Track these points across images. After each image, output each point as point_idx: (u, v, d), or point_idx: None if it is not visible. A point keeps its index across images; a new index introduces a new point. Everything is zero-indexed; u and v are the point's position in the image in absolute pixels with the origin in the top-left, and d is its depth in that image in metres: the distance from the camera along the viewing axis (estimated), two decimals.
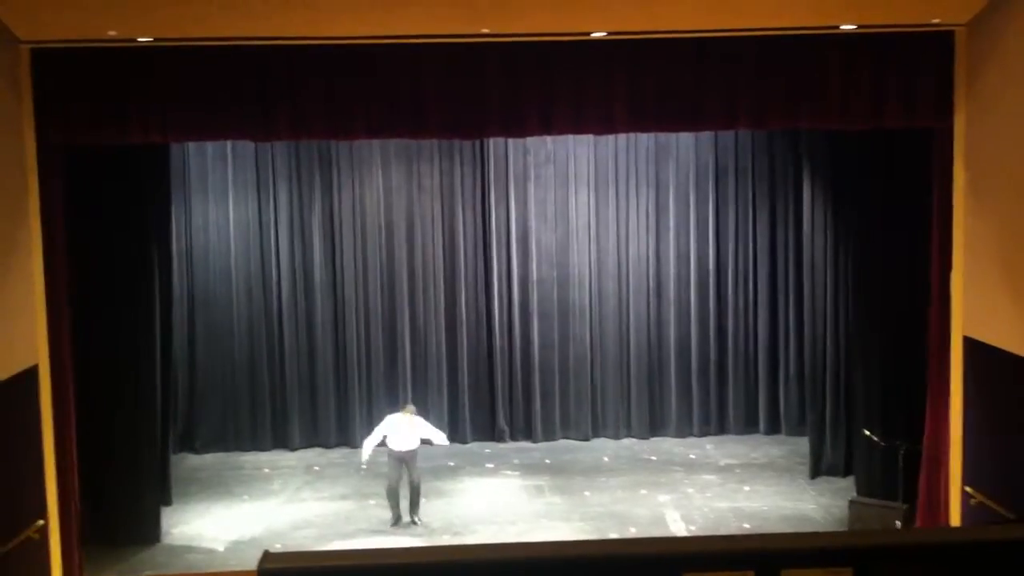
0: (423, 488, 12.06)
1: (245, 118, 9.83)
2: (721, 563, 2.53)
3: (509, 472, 13.59)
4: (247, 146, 14.06)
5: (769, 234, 14.61)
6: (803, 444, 13.59)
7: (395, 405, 14.40)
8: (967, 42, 9.54)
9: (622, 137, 14.21)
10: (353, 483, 13.06)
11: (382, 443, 11.99)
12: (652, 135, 14.15)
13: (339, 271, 14.50)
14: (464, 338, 14.67)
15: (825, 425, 12.96)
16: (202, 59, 9.56)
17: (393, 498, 11.85)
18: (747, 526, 11.63)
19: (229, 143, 13.97)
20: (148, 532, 11.40)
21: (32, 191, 9.53)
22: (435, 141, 14.01)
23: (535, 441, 14.69)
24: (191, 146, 13.90)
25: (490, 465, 13.85)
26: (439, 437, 12.24)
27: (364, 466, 12.18)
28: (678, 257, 14.72)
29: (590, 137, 13.98)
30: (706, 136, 14.28)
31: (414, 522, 11.83)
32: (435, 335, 14.66)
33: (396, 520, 11.85)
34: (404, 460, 11.85)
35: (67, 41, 9.34)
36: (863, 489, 11.87)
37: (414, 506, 11.89)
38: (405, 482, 11.86)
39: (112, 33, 9.10)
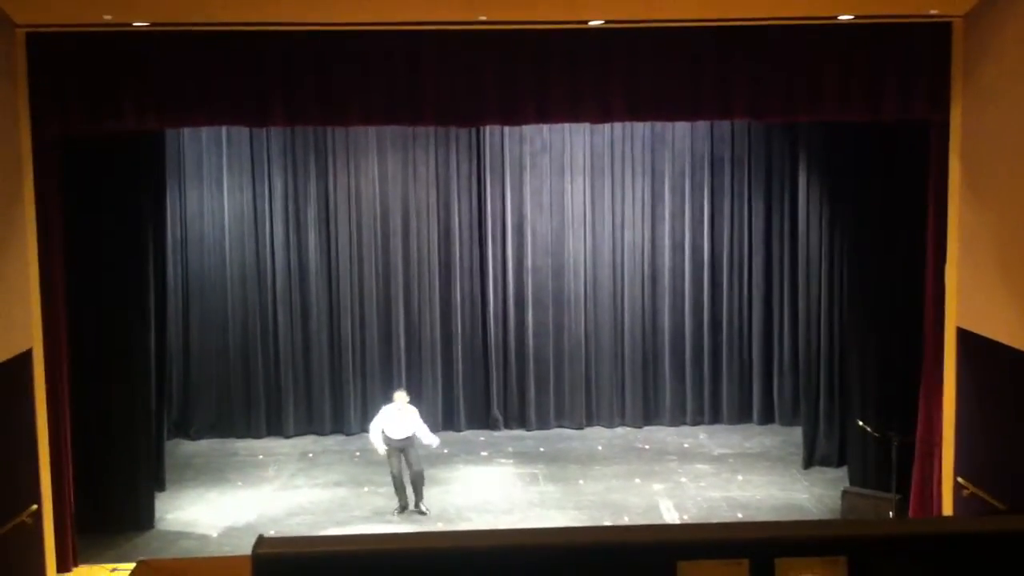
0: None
1: (240, 104, 9.82)
2: (716, 551, 2.54)
3: (503, 460, 13.61)
4: (242, 133, 14.03)
5: (764, 224, 14.61)
6: (797, 434, 13.62)
7: (390, 392, 14.45)
8: (964, 34, 9.54)
9: (618, 126, 14.20)
10: (347, 470, 13.08)
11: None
12: (648, 124, 14.15)
13: (334, 259, 14.48)
14: (459, 326, 14.67)
15: (819, 415, 12.99)
16: (198, 45, 9.54)
17: (397, 486, 11.84)
18: (740, 515, 11.66)
19: (224, 130, 13.93)
20: (142, 518, 11.40)
21: (27, 176, 9.51)
22: (431, 129, 14.00)
23: (529, 429, 14.70)
24: (186, 133, 13.86)
25: (484, 453, 13.87)
26: (428, 437, 11.99)
27: (357, 453, 12.13)
28: (673, 247, 14.73)
29: (586, 126, 13.97)
30: (702, 126, 14.26)
31: (421, 511, 11.79)
32: (430, 323, 14.66)
33: (401, 508, 11.81)
34: (401, 449, 11.84)
35: (63, 26, 9.32)
36: (856, 479, 11.89)
37: (418, 495, 11.87)
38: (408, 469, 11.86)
39: (108, 18, 9.08)
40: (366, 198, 14.46)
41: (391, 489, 12.08)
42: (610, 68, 9.73)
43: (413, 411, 12.02)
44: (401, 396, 12.00)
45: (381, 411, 12.08)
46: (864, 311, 11.91)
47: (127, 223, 11.20)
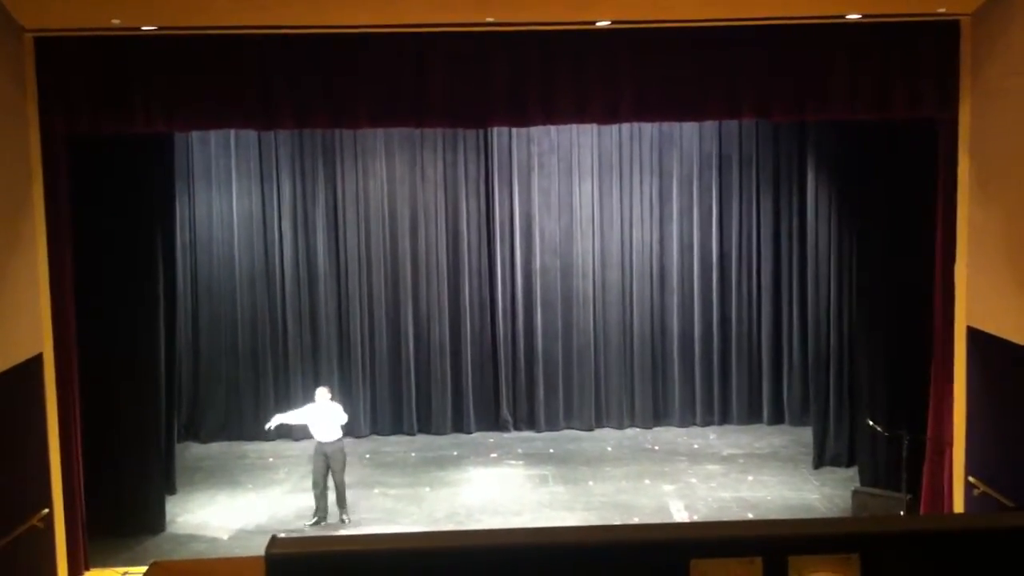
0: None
1: (249, 107, 9.84)
2: (728, 549, 2.53)
3: (513, 462, 13.60)
4: (250, 136, 14.06)
5: (773, 223, 14.60)
6: (806, 434, 13.59)
7: (399, 394, 14.48)
8: (972, 32, 9.52)
9: (626, 126, 14.19)
10: (357, 472, 13.06)
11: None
12: (656, 125, 14.14)
13: (342, 261, 14.50)
14: (468, 328, 14.68)
15: (829, 415, 12.97)
16: (206, 48, 9.56)
17: (318, 494, 11.56)
18: (750, 516, 11.64)
19: (232, 133, 13.97)
20: (152, 521, 11.43)
21: (36, 180, 9.54)
22: (439, 131, 14.01)
23: (539, 431, 14.70)
24: (195, 136, 13.90)
25: (494, 455, 13.87)
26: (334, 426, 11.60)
27: (367, 455, 12.10)
28: (682, 247, 14.72)
29: (594, 126, 13.97)
30: (710, 125, 14.26)
31: (342, 520, 11.53)
32: (439, 325, 14.66)
33: (318, 515, 11.53)
34: (326, 453, 11.53)
35: (71, 30, 9.35)
36: (867, 479, 11.87)
37: (341, 505, 11.60)
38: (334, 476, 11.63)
39: (116, 22, 9.10)
40: (374, 200, 14.47)
41: (401, 491, 12.09)
42: (618, 68, 9.72)
43: (337, 408, 11.75)
44: (323, 393, 11.80)
45: (305, 409, 11.88)
46: (873, 310, 11.88)
47: (136, 227, 11.24)
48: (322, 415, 11.68)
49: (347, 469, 12.77)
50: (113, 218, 11.03)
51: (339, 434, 11.67)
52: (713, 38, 9.65)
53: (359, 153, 14.39)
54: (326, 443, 11.58)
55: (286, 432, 14.41)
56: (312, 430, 11.72)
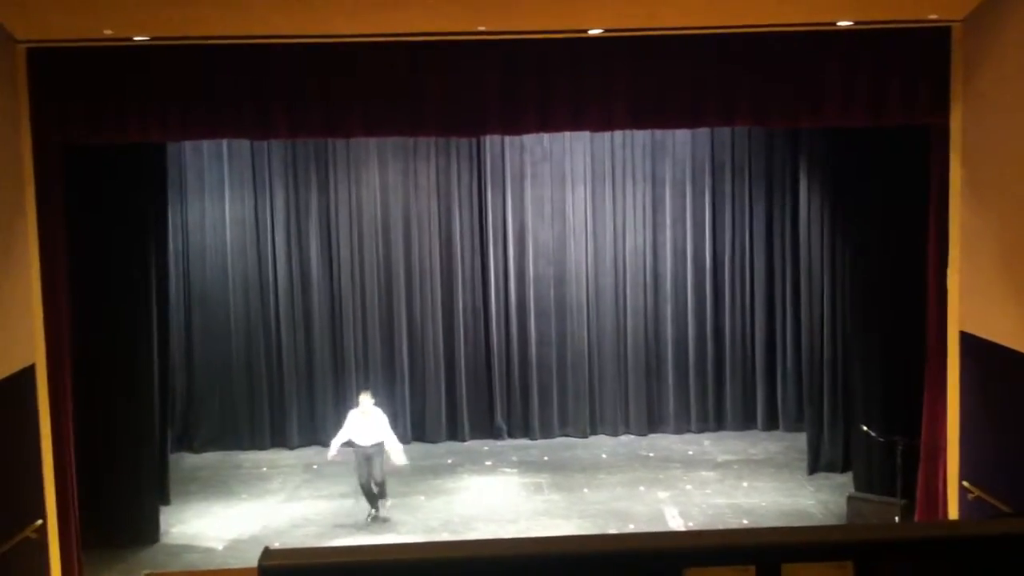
0: (408, 488, 12.04)
1: (243, 117, 9.82)
2: (723, 558, 2.54)
3: (508, 470, 13.59)
4: (243, 145, 14.05)
5: (766, 230, 14.62)
6: (801, 440, 13.59)
7: (393, 402, 14.46)
8: (964, 38, 9.55)
9: (619, 134, 14.21)
10: (352, 481, 12.98)
11: (350, 443, 11.92)
12: (649, 132, 14.15)
13: (336, 269, 14.50)
14: (462, 336, 14.67)
15: (823, 421, 12.98)
16: (199, 58, 9.55)
17: (367, 493, 11.83)
18: (745, 522, 11.64)
19: (225, 142, 13.96)
20: (147, 532, 11.40)
21: (29, 190, 9.52)
22: (432, 139, 14.01)
23: (533, 438, 14.69)
24: (188, 145, 13.88)
25: (488, 463, 13.85)
26: (396, 452, 11.83)
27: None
28: (675, 254, 14.73)
29: (587, 134, 13.98)
30: (703, 133, 14.28)
31: (376, 518, 11.74)
32: (432, 333, 14.66)
33: (374, 510, 11.80)
34: (369, 456, 11.76)
35: (64, 40, 9.33)
36: (861, 485, 11.89)
37: (381, 494, 11.84)
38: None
39: (108, 32, 9.09)
40: (367, 209, 14.47)
41: (396, 499, 12.08)
42: (612, 76, 9.71)
43: (381, 416, 11.92)
44: (366, 399, 11.93)
45: (348, 417, 12.00)
46: (867, 316, 11.91)
47: (129, 235, 11.24)
48: (365, 419, 11.82)
49: (343, 478, 12.82)
50: (106, 227, 11.04)
51: (380, 437, 11.81)
52: (707, 46, 9.66)
53: (352, 161, 14.39)
54: (368, 447, 11.76)
55: (281, 441, 14.44)
56: (352, 435, 11.83)
